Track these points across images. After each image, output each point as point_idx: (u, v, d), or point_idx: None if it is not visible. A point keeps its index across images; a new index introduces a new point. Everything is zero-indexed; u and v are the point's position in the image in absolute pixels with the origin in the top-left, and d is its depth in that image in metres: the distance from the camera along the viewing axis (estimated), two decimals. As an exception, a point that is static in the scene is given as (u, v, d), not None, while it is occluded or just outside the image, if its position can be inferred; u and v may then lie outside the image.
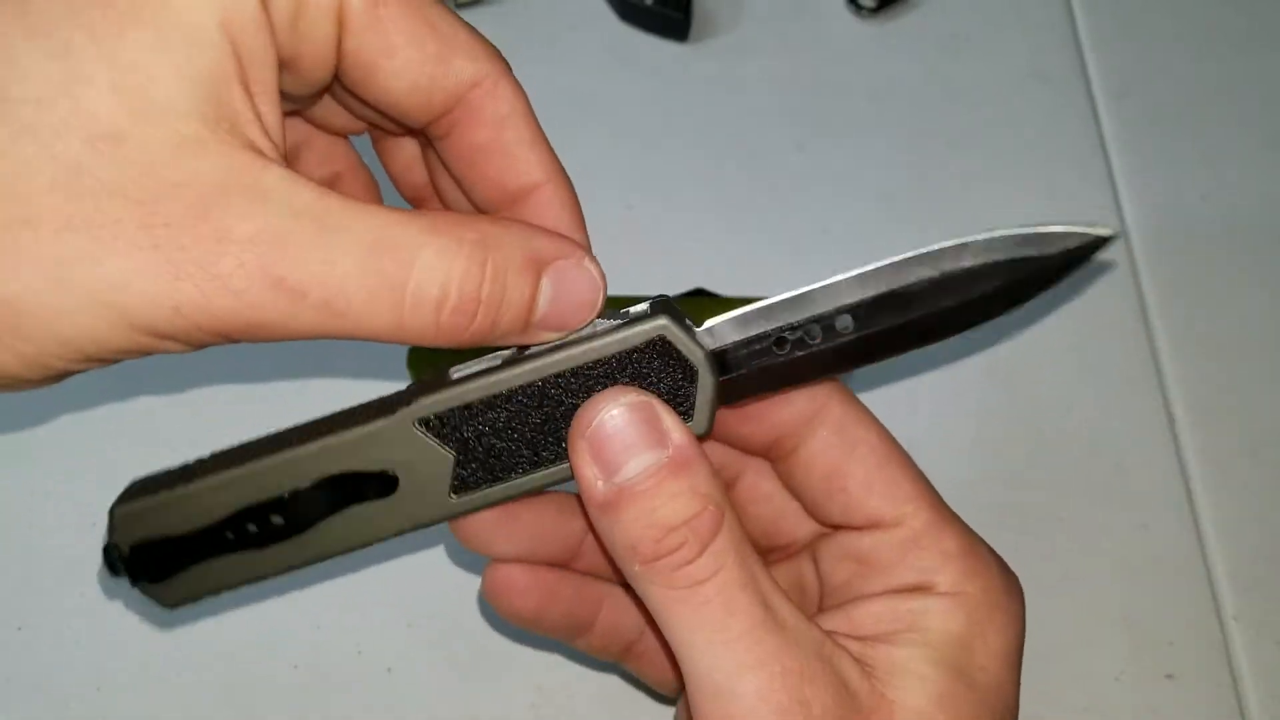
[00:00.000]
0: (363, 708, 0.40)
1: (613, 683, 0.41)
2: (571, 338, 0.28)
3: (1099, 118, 0.54)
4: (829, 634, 0.27)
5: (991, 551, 0.30)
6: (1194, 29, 0.57)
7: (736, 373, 0.28)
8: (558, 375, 0.28)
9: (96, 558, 0.42)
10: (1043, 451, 0.46)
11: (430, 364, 0.45)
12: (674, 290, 0.47)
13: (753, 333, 0.28)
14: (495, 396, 0.28)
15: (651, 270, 0.48)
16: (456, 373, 0.28)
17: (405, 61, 0.26)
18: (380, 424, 0.28)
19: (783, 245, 0.50)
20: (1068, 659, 0.41)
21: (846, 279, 0.28)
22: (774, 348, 0.28)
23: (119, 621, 0.41)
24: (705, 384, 0.28)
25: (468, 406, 0.28)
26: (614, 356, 0.28)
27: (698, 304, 0.46)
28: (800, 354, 0.28)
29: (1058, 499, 0.45)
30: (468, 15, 0.56)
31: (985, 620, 0.28)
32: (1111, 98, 0.55)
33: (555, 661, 0.41)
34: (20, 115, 0.22)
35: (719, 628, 0.25)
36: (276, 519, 0.29)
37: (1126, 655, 0.42)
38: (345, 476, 0.29)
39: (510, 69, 0.29)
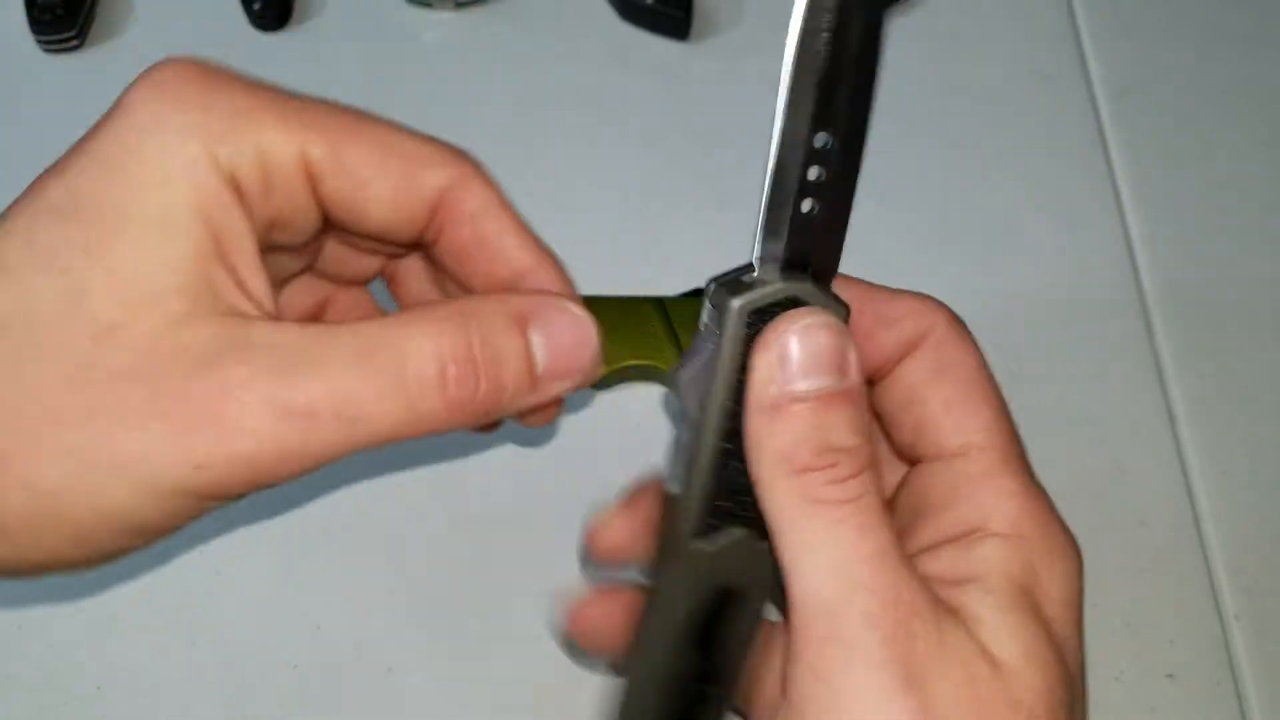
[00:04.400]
0: (362, 707, 0.40)
1: (613, 685, 0.41)
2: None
3: (1100, 116, 0.54)
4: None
5: (1053, 506, 0.29)
6: (1195, 27, 0.57)
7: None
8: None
9: (96, 557, 0.42)
10: (1042, 450, 0.46)
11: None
12: (674, 290, 0.47)
13: (792, 230, 0.28)
14: None
15: (652, 270, 0.48)
16: None
17: (378, 191, 0.28)
18: None
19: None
20: (1068, 659, 0.41)
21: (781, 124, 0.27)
22: (809, 220, 0.28)
23: (120, 621, 0.41)
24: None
25: None
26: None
27: (698, 304, 0.46)
28: (824, 199, 0.28)
29: (1057, 499, 0.44)
30: (468, 15, 0.56)
31: (1044, 566, 0.27)
32: (1112, 96, 0.55)
33: (555, 661, 0.41)
34: (36, 333, 0.25)
35: (847, 546, 0.26)
36: None
37: (1127, 655, 0.42)
38: None
39: (479, 166, 0.31)
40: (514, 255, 0.30)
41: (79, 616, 0.41)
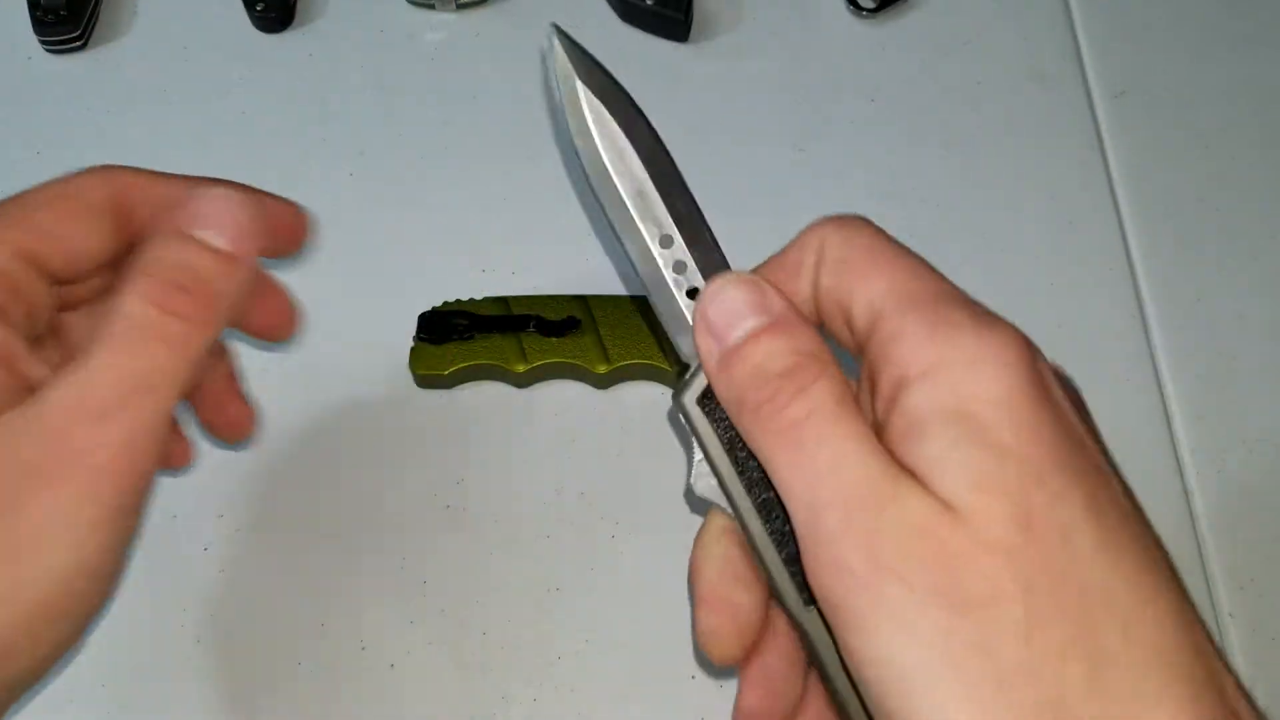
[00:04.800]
0: (366, 703, 0.40)
1: (613, 683, 0.41)
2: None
3: (1097, 117, 0.54)
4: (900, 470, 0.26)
5: (975, 316, 0.27)
6: (1192, 29, 0.57)
7: None
8: None
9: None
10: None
11: (431, 362, 0.45)
12: (674, 290, 0.47)
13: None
14: None
15: (652, 270, 0.49)
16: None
17: (73, 245, 0.31)
18: None
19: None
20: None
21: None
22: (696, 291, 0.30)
23: (123, 618, 0.42)
24: None
25: None
26: None
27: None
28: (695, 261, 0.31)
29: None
30: (469, 16, 0.56)
31: (970, 375, 0.25)
32: (1109, 97, 0.55)
33: (556, 659, 0.41)
34: None
35: (809, 465, 0.26)
36: None
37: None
38: None
39: (114, 168, 0.32)
40: (168, 196, 0.32)
41: (83, 614, 0.42)
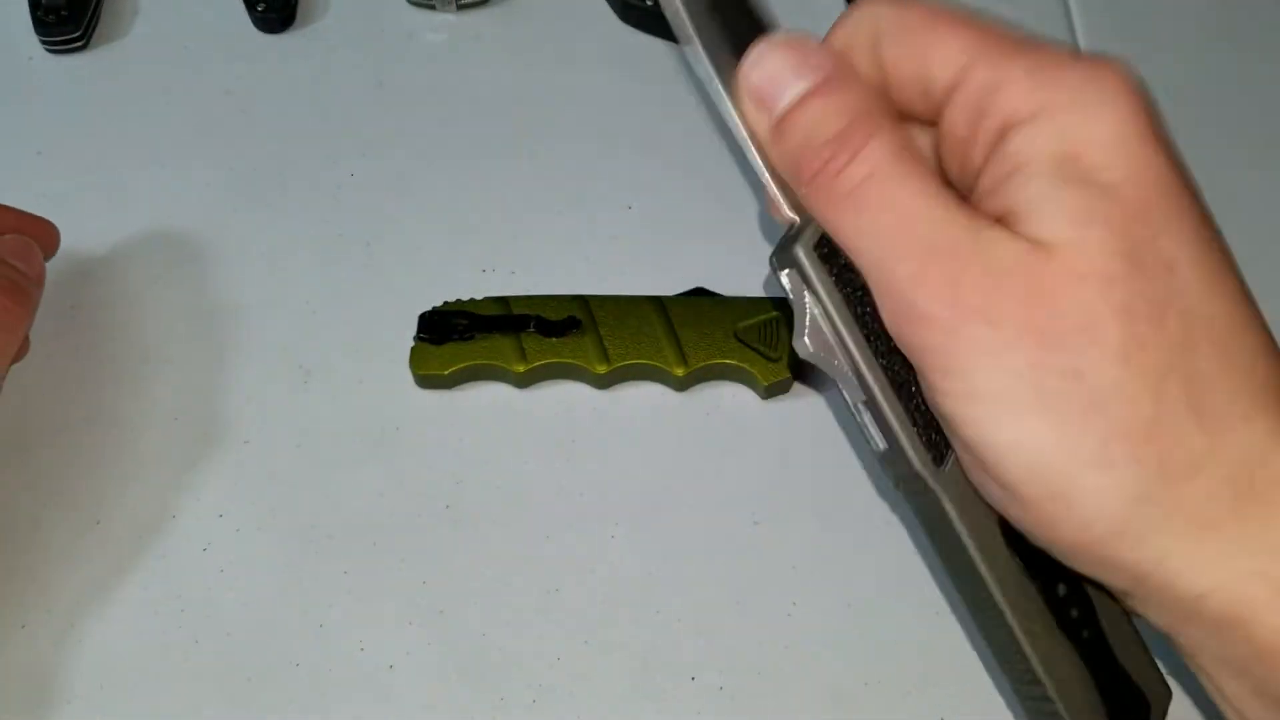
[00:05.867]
0: (364, 704, 0.40)
1: (613, 683, 0.41)
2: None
3: (1097, 118, 0.54)
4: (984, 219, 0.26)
5: (1078, 56, 0.26)
6: (1191, 29, 0.57)
7: None
8: None
9: (98, 556, 0.43)
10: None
11: (431, 363, 0.45)
12: (674, 290, 0.47)
13: None
14: None
15: (651, 270, 0.49)
16: None
17: None
18: None
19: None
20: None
21: None
22: None
23: (122, 620, 0.42)
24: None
25: None
26: None
27: (698, 304, 0.46)
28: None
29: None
30: (470, 17, 0.56)
31: (1079, 117, 0.25)
32: (1110, 98, 0.55)
33: (556, 659, 0.41)
34: None
35: (877, 226, 0.26)
36: None
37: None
38: None
39: None
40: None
41: (81, 615, 0.42)
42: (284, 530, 0.43)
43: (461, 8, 0.56)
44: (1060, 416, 0.24)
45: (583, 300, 0.46)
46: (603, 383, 0.46)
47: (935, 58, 0.26)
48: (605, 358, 0.45)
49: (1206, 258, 0.26)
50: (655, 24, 0.55)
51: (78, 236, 0.48)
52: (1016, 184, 0.25)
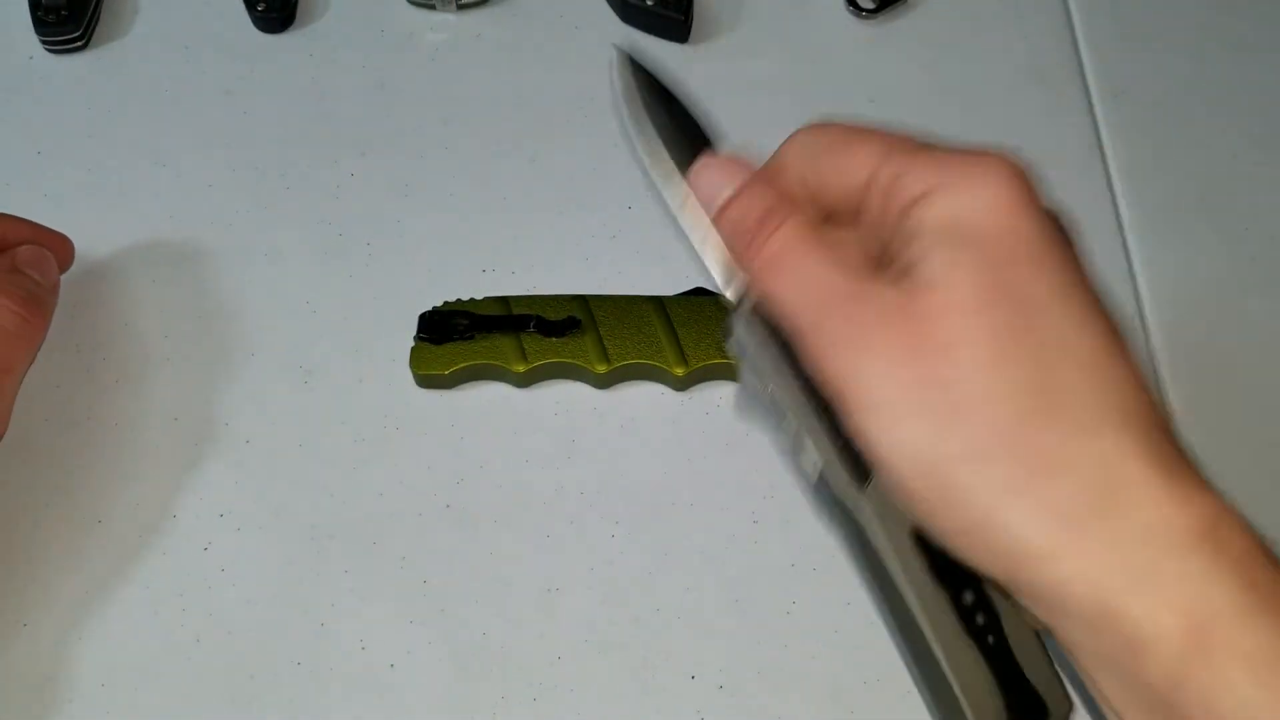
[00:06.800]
0: (365, 703, 0.40)
1: (613, 683, 0.41)
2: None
3: (1096, 117, 0.54)
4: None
5: (973, 149, 0.31)
6: (1190, 29, 0.57)
7: None
8: None
9: (100, 555, 0.43)
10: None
11: (431, 363, 0.45)
12: (674, 290, 0.47)
13: None
14: None
15: (651, 270, 0.49)
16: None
17: None
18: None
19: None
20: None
21: None
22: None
23: (124, 618, 0.42)
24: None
25: None
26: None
27: (698, 304, 0.47)
28: None
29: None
30: (470, 17, 0.56)
31: (964, 192, 0.30)
32: (1108, 97, 0.55)
33: (556, 659, 0.41)
34: None
35: (788, 286, 0.31)
36: None
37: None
38: None
39: None
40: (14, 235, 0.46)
41: (83, 614, 0.42)
42: (285, 529, 0.44)
43: (461, 8, 0.56)
44: (935, 418, 0.28)
45: (583, 300, 0.46)
46: (603, 383, 0.46)
47: (854, 163, 0.32)
48: (605, 357, 0.45)
49: (1070, 297, 0.29)
50: (655, 24, 0.55)
51: (78, 236, 0.48)
52: (913, 245, 0.30)
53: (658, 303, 0.47)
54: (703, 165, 0.35)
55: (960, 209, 0.29)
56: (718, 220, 0.34)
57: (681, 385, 0.46)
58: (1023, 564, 0.28)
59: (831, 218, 0.33)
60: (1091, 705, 0.38)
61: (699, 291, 0.47)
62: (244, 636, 0.42)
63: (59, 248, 0.47)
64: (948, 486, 0.28)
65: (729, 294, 0.35)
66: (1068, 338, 0.29)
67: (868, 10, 0.56)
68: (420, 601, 0.42)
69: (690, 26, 0.55)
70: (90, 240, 0.49)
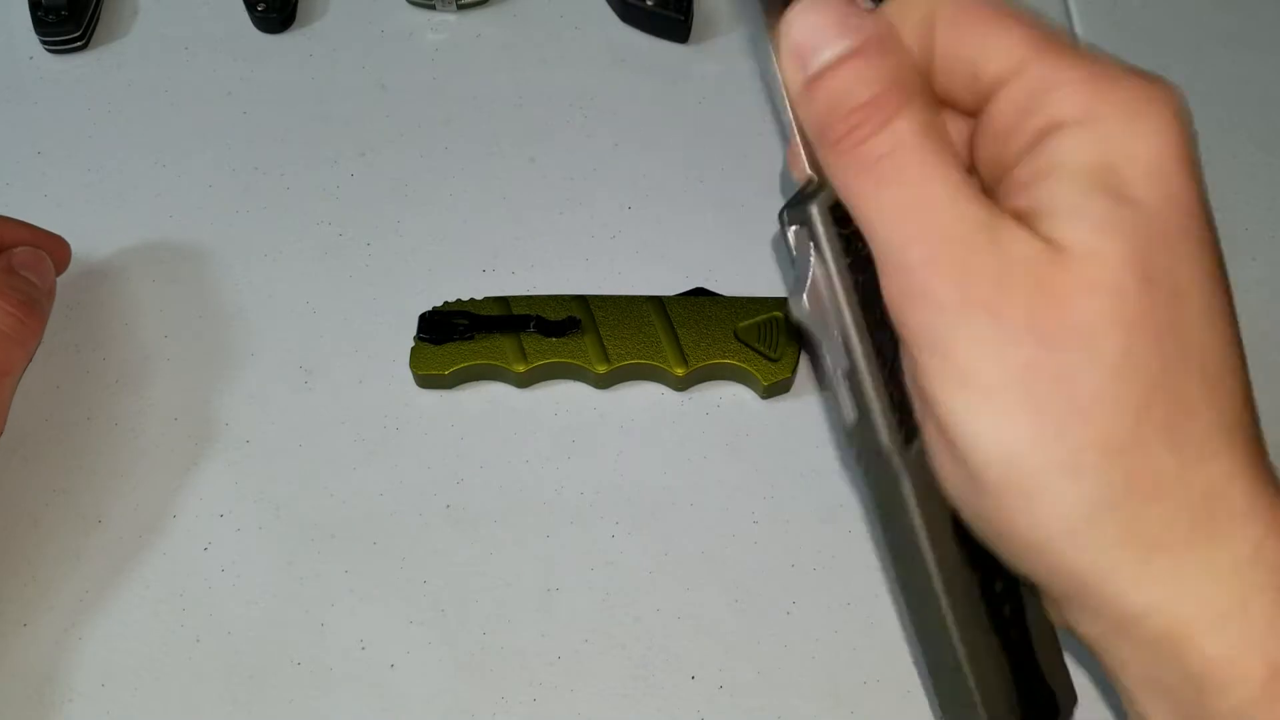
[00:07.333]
0: (365, 703, 0.40)
1: (613, 683, 0.41)
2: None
3: (1096, 118, 0.54)
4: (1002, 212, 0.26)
5: (1132, 70, 0.26)
6: (1190, 30, 0.57)
7: None
8: None
9: (100, 555, 0.43)
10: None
11: (431, 363, 0.45)
12: (674, 290, 0.47)
13: None
14: None
15: (651, 270, 0.49)
16: None
17: None
18: None
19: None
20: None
21: None
22: None
23: (124, 618, 0.42)
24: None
25: None
26: None
27: (698, 304, 0.47)
28: None
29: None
30: (470, 17, 0.56)
31: (1124, 131, 0.25)
32: (1109, 98, 0.55)
33: (556, 659, 0.41)
34: None
35: (895, 202, 0.25)
36: None
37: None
38: None
39: None
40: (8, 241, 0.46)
41: (83, 613, 0.42)
42: (285, 529, 0.44)
43: (461, 8, 0.56)
44: (1043, 417, 0.24)
45: (583, 300, 0.46)
46: (603, 383, 0.46)
47: (991, 48, 0.26)
48: (605, 357, 0.45)
49: (1215, 295, 0.26)
50: (655, 24, 0.55)
51: (78, 236, 0.48)
52: (1048, 184, 0.25)
53: (658, 303, 0.47)
54: (806, 6, 0.26)
55: (1118, 154, 0.25)
56: (810, 89, 0.26)
57: (681, 385, 0.46)
58: (1092, 586, 0.25)
59: (939, 105, 0.27)
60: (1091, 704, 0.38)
61: (699, 291, 0.47)
62: (244, 636, 0.42)
63: (55, 250, 0.47)
64: (1036, 493, 0.25)
65: (795, 175, 0.28)
66: (1202, 342, 0.25)
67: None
68: (420, 601, 0.42)
69: (690, 26, 0.55)
70: (90, 240, 0.49)
